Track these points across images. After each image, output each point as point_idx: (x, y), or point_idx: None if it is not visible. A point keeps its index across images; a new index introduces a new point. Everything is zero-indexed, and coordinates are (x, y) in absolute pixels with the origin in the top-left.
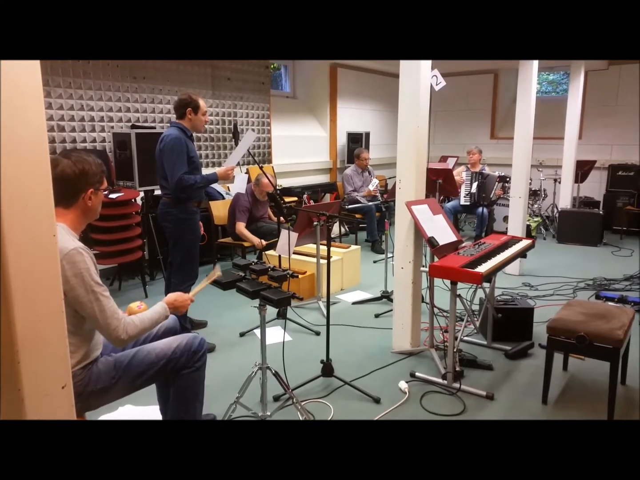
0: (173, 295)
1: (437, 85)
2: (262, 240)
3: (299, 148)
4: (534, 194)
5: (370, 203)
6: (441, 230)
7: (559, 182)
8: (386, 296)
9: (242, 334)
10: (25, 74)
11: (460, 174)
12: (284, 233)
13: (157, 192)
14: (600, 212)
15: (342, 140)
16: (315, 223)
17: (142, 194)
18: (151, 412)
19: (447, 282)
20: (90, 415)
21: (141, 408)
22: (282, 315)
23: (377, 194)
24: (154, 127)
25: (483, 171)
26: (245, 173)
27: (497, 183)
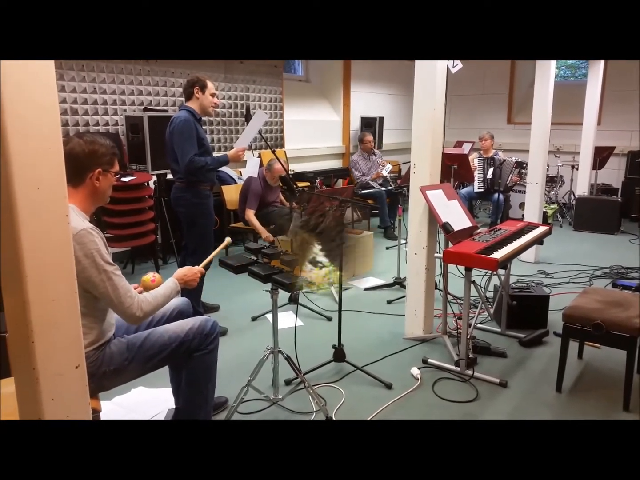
0: (182, 270)
1: (453, 67)
2: (271, 235)
3: (312, 133)
4: (551, 181)
5: (383, 188)
6: (456, 215)
7: (577, 169)
8: (399, 282)
9: (254, 318)
10: None
11: (473, 161)
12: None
13: (170, 175)
14: (619, 200)
15: (355, 124)
16: (327, 208)
17: (154, 178)
18: (164, 394)
19: (461, 268)
20: (103, 397)
21: (154, 390)
22: (294, 300)
23: (387, 178)
24: (166, 111)
25: (495, 156)
26: (258, 157)
27: (513, 169)
